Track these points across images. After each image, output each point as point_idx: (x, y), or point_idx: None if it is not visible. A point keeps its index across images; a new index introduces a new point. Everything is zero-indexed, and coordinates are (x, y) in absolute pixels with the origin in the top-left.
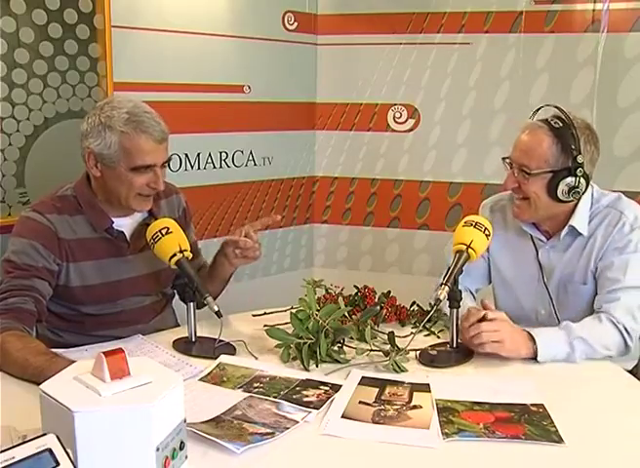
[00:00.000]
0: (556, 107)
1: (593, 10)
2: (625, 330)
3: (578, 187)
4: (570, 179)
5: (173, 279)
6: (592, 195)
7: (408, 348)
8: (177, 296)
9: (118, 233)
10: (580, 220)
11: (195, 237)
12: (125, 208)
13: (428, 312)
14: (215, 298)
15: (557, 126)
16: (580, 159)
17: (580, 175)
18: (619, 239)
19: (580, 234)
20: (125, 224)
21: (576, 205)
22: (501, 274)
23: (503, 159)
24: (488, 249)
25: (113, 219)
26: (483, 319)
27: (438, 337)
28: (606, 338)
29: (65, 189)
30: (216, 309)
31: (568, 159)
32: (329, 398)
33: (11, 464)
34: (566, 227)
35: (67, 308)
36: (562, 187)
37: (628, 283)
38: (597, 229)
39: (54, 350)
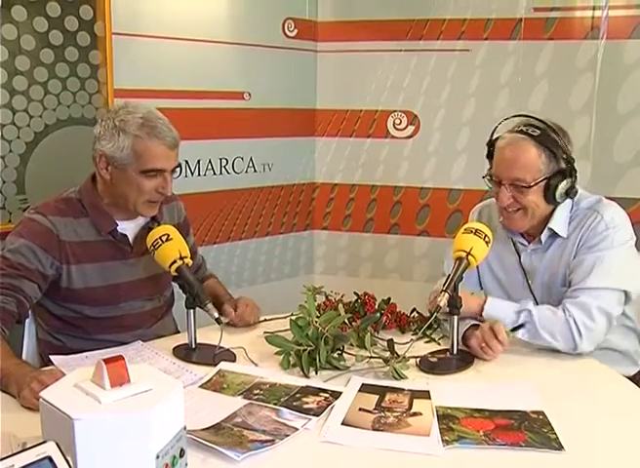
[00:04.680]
0: (525, 116)
1: (592, 17)
2: (575, 323)
3: (574, 187)
4: (565, 181)
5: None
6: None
7: (408, 355)
8: (176, 303)
9: (121, 236)
10: (558, 223)
11: (194, 239)
12: (131, 212)
13: (428, 319)
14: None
15: (535, 133)
16: (564, 157)
17: (574, 174)
18: (592, 237)
19: (560, 236)
20: (128, 228)
21: (555, 208)
22: (494, 278)
23: (486, 177)
24: None
25: (118, 222)
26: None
27: (439, 344)
28: (552, 325)
29: (70, 192)
30: (216, 316)
31: (557, 162)
32: (329, 405)
33: None
34: (545, 230)
35: (70, 310)
36: (560, 190)
37: (589, 284)
38: (574, 231)
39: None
